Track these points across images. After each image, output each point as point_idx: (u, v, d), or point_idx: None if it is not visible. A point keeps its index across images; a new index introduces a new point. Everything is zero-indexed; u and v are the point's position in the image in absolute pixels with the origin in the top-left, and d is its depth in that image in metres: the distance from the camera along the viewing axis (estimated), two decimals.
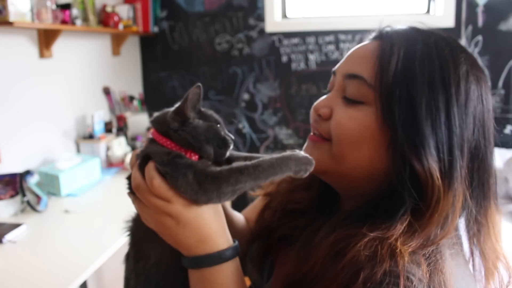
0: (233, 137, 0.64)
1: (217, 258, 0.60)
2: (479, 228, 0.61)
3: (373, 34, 0.67)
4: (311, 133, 0.68)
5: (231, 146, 0.64)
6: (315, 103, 0.67)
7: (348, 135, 0.61)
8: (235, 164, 0.59)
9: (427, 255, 0.55)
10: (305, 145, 0.69)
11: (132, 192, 0.63)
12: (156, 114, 0.69)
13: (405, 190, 0.57)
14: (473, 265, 0.62)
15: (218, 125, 0.64)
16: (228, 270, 0.61)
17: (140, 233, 0.67)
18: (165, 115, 0.64)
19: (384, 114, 0.59)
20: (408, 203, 0.56)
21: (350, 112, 0.62)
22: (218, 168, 0.59)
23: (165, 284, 0.65)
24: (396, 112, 0.58)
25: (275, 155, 0.60)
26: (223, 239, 0.62)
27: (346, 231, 0.58)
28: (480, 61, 0.63)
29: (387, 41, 0.62)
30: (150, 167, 0.59)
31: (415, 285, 0.51)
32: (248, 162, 0.59)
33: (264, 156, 0.61)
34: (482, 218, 0.61)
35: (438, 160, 0.56)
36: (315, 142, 0.66)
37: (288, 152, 0.60)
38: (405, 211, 0.56)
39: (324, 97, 0.68)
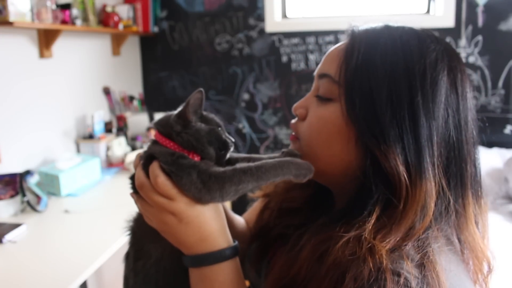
0: (233, 140, 0.66)
1: (217, 257, 0.61)
2: (456, 216, 0.60)
3: (345, 35, 0.68)
4: (292, 134, 0.71)
5: (232, 149, 0.66)
6: (294, 104, 0.71)
7: (316, 133, 0.64)
8: (239, 165, 0.61)
9: (416, 248, 0.54)
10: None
11: (136, 192, 0.65)
12: (158, 117, 0.70)
13: (373, 184, 0.57)
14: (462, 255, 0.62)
15: (219, 128, 0.66)
16: (228, 269, 0.61)
17: (141, 232, 0.68)
18: (168, 118, 0.66)
19: (347, 109, 0.59)
20: (377, 197, 0.56)
21: (319, 111, 0.65)
22: (221, 169, 0.60)
23: (165, 283, 0.66)
24: (357, 105, 0.58)
25: (277, 158, 0.62)
26: (223, 238, 0.63)
27: (326, 233, 0.58)
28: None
29: (352, 39, 0.64)
30: (155, 165, 0.61)
31: (406, 278, 0.50)
32: (251, 164, 0.61)
33: (265, 158, 0.64)
34: (460, 207, 0.60)
35: (403, 152, 0.56)
36: (292, 142, 0.70)
37: (289, 158, 0.63)
38: (374, 205, 0.56)
39: (302, 98, 0.71)
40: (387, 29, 0.63)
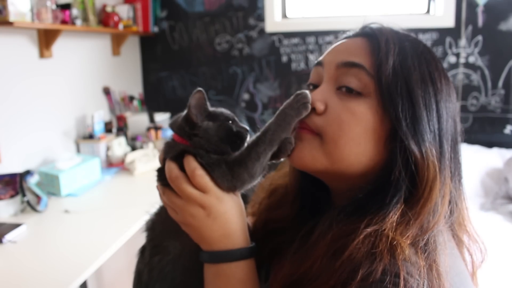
0: (247, 128, 0.66)
1: (237, 255, 0.62)
2: (456, 211, 0.63)
3: (353, 32, 0.69)
4: (299, 127, 0.64)
5: (248, 136, 0.65)
6: (308, 95, 0.64)
7: (349, 131, 0.60)
8: (249, 142, 0.63)
9: (423, 247, 0.55)
10: (293, 140, 0.64)
11: (163, 184, 0.65)
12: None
13: (401, 179, 0.58)
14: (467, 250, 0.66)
15: (230, 122, 0.65)
16: (247, 268, 0.63)
17: (162, 227, 0.69)
18: (179, 120, 0.67)
19: (385, 106, 0.59)
20: (402, 192, 0.57)
21: (349, 106, 0.60)
22: (237, 153, 0.63)
23: (181, 281, 0.66)
24: (400, 104, 0.59)
25: (274, 117, 0.64)
26: (244, 238, 0.64)
27: (342, 228, 0.58)
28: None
29: (379, 36, 0.63)
30: (190, 158, 0.62)
31: (416, 280, 0.51)
32: (257, 133, 0.63)
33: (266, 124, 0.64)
34: (458, 202, 0.64)
35: (432, 149, 0.59)
36: (306, 135, 0.63)
37: (282, 106, 0.63)
38: (398, 200, 0.57)
39: (317, 89, 0.65)
40: (400, 32, 0.66)
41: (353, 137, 0.60)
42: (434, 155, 0.58)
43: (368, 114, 0.60)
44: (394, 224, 0.55)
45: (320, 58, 0.69)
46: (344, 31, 0.71)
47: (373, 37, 0.63)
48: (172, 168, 0.63)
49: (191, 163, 0.61)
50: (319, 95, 0.63)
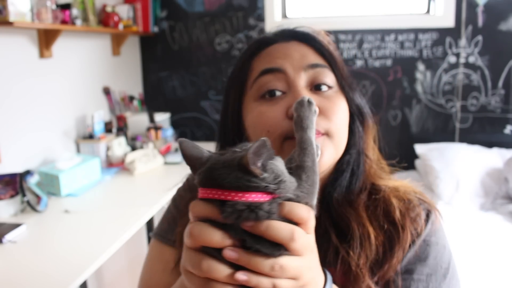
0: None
1: None
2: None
3: (278, 38, 0.72)
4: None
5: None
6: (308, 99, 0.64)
7: (344, 121, 0.68)
8: (295, 157, 0.53)
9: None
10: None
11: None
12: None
13: (362, 133, 0.73)
14: None
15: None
16: None
17: None
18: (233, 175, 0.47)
19: (349, 95, 0.70)
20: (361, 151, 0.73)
21: (333, 101, 0.67)
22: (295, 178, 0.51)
23: None
24: (349, 90, 0.70)
25: (301, 126, 0.56)
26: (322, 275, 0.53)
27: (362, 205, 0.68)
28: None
29: (314, 38, 0.72)
30: (304, 207, 0.47)
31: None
32: (298, 148, 0.54)
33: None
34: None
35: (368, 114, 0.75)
36: (320, 139, 0.63)
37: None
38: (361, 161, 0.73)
39: (301, 92, 0.64)
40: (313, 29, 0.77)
41: (345, 125, 0.68)
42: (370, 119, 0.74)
43: (344, 104, 0.68)
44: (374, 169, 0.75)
45: (272, 66, 0.66)
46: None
47: (310, 41, 0.71)
48: (282, 227, 0.44)
49: (305, 211, 0.46)
50: (309, 95, 0.65)
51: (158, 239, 0.81)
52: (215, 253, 0.44)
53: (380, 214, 0.68)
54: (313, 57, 0.68)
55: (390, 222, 0.67)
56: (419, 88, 3.10)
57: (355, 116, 0.71)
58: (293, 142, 0.58)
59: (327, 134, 0.65)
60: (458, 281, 0.68)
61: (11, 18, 1.80)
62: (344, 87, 0.69)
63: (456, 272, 0.69)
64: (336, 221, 0.67)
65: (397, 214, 0.67)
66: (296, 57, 0.67)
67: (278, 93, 0.65)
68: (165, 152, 2.75)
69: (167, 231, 0.80)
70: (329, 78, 0.68)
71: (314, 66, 0.67)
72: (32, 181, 1.92)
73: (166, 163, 2.63)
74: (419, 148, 2.96)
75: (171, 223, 0.80)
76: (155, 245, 0.81)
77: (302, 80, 0.66)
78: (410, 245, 0.65)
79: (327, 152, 0.64)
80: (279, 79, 0.66)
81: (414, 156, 3.02)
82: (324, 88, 0.67)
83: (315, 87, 0.67)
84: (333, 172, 0.70)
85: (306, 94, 0.63)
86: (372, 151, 0.75)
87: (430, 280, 0.65)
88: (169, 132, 2.96)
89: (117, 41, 2.95)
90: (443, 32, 2.98)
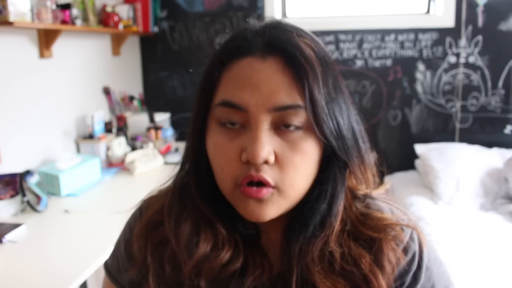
0: None
1: None
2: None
3: (254, 47, 0.60)
4: (247, 186, 0.59)
5: None
6: (255, 151, 0.57)
7: (302, 170, 0.60)
8: None
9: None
10: (242, 202, 0.60)
11: None
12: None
13: (339, 179, 0.64)
14: None
15: None
16: None
17: None
18: None
19: (320, 134, 0.59)
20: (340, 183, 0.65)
21: (297, 147, 0.59)
22: None
23: None
24: (331, 130, 0.60)
25: None
26: None
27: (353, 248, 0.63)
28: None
29: (292, 57, 0.59)
30: None
31: None
32: None
33: None
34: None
35: (357, 156, 0.66)
36: (265, 194, 0.59)
37: None
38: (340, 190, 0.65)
39: (259, 140, 0.58)
40: (299, 38, 0.62)
41: (305, 172, 0.60)
42: (356, 153, 0.64)
43: (313, 147, 0.60)
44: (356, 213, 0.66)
45: (235, 101, 0.59)
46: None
47: (291, 60, 0.59)
48: None
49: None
50: (265, 146, 0.57)
51: (109, 277, 0.76)
52: None
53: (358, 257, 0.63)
54: (285, 94, 0.58)
55: (368, 247, 0.63)
56: (419, 88, 3.10)
57: (332, 161, 0.63)
58: (242, 191, 0.58)
59: (277, 187, 0.59)
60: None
61: (11, 18, 1.80)
62: (318, 129, 0.59)
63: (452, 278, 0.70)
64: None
65: (374, 235, 0.64)
66: (264, 92, 0.58)
67: (237, 125, 0.60)
68: (165, 152, 2.75)
69: (116, 270, 0.75)
70: (299, 117, 0.58)
71: (282, 109, 0.58)
72: (32, 181, 1.92)
73: (166, 163, 2.63)
74: (419, 148, 2.96)
75: (119, 262, 0.75)
76: (107, 282, 0.77)
77: (265, 122, 0.58)
78: (396, 264, 0.63)
79: (273, 206, 0.60)
80: (239, 115, 0.59)
81: (414, 156, 3.02)
82: (291, 128, 0.59)
83: (283, 125, 0.59)
84: (295, 218, 0.64)
85: (266, 140, 0.57)
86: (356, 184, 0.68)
87: None
88: (169, 132, 2.96)
89: (117, 41, 2.95)
90: (443, 32, 2.98)
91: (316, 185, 0.63)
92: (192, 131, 0.65)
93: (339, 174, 0.63)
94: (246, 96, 0.58)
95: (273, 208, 0.59)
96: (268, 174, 0.58)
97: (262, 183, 0.58)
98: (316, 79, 0.58)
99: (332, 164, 0.63)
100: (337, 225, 0.62)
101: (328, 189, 0.63)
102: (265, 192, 0.58)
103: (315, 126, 0.58)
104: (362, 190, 0.68)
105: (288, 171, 0.58)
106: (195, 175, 0.67)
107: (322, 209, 0.63)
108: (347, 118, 0.62)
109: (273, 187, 0.58)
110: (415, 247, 0.64)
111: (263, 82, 0.58)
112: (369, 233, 0.63)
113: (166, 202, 0.70)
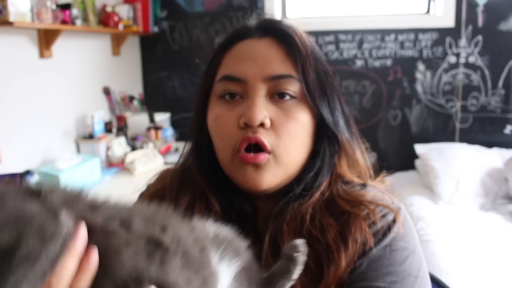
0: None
1: None
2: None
3: (255, 31, 0.69)
4: (245, 152, 0.63)
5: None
6: (251, 113, 0.62)
7: (296, 138, 0.64)
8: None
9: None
10: (241, 169, 0.63)
11: None
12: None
13: (328, 153, 0.68)
14: None
15: None
16: None
17: None
18: None
19: (312, 105, 0.65)
20: (329, 158, 0.69)
21: (292, 114, 0.64)
22: None
23: None
24: (322, 102, 0.66)
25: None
26: None
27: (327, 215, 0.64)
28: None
29: (290, 37, 0.66)
30: None
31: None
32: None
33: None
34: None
35: (345, 129, 0.71)
36: (263, 160, 0.62)
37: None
38: (329, 171, 0.68)
39: (255, 105, 0.63)
40: (295, 26, 0.71)
41: (299, 141, 0.65)
42: (346, 133, 0.69)
43: (306, 117, 0.65)
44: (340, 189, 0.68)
45: (234, 74, 0.65)
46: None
47: (284, 39, 0.66)
48: None
49: None
50: (261, 110, 0.63)
51: None
52: None
53: (325, 220, 0.64)
54: (279, 64, 0.64)
55: (338, 220, 0.64)
56: (419, 88, 3.10)
57: (323, 135, 0.67)
58: (241, 157, 0.62)
59: (273, 152, 0.63)
60: None
61: (11, 18, 1.80)
62: (311, 98, 0.64)
63: (427, 279, 0.65)
64: (274, 233, 0.64)
65: (345, 207, 0.65)
66: (260, 63, 0.64)
67: (237, 97, 0.66)
68: (165, 152, 2.75)
69: None
70: (292, 86, 0.64)
71: (276, 78, 0.64)
72: (32, 181, 1.92)
73: (166, 163, 2.63)
74: (419, 148, 2.96)
75: None
76: None
77: (261, 91, 0.64)
78: (361, 245, 0.62)
79: (270, 173, 0.63)
80: (238, 86, 0.65)
81: (414, 156, 3.02)
82: (286, 97, 0.64)
83: (277, 94, 0.65)
84: (284, 190, 0.67)
85: (263, 105, 0.63)
86: (349, 173, 0.70)
87: (395, 286, 0.60)
88: (169, 132, 2.96)
89: (117, 41, 2.95)
90: (443, 32, 2.98)
91: (309, 161, 0.67)
92: (195, 112, 0.72)
93: (328, 148, 0.67)
94: (244, 68, 0.65)
95: (270, 174, 0.63)
96: (264, 137, 0.62)
97: (259, 148, 0.62)
98: (307, 56, 0.65)
99: (323, 137, 0.67)
100: (317, 195, 0.65)
101: (317, 161, 0.67)
102: (262, 157, 0.62)
103: (307, 94, 0.64)
104: (356, 180, 0.71)
105: (283, 136, 0.63)
106: (196, 153, 0.72)
107: (307, 178, 0.66)
108: (337, 100, 0.69)
109: (269, 153, 0.63)
110: (384, 225, 0.64)
111: (259, 55, 0.65)
112: (342, 205, 0.65)
113: (168, 180, 0.74)
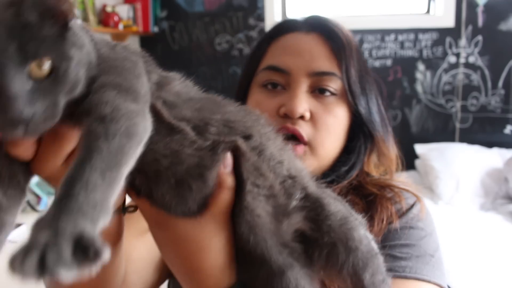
0: None
1: None
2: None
3: (303, 25, 0.73)
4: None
5: None
6: (293, 105, 0.65)
7: (333, 132, 0.68)
8: None
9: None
10: None
11: None
12: None
13: (363, 149, 0.72)
14: None
15: None
16: None
17: None
18: None
19: (351, 102, 0.69)
20: (364, 150, 0.73)
21: (331, 110, 0.67)
22: None
23: None
24: (361, 100, 0.69)
25: None
26: None
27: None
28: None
29: (336, 36, 0.70)
30: None
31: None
32: None
33: None
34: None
35: (380, 127, 0.75)
36: (300, 151, 0.66)
37: None
38: (364, 155, 0.73)
39: (297, 97, 0.66)
40: (341, 25, 0.75)
41: (335, 136, 0.68)
42: (381, 131, 0.73)
43: (344, 113, 0.69)
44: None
45: (279, 65, 0.68)
46: (290, 19, 0.76)
47: (331, 36, 0.69)
48: None
49: None
50: (303, 103, 0.66)
51: None
52: None
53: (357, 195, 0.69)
54: (324, 61, 0.68)
55: (365, 199, 0.68)
56: (419, 88, 3.10)
57: (359, 131, 0.71)
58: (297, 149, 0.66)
59: (309, 144, 0.66)
60: (443, 275, 0.65)
61: None
62: (351, 97, 0.68)
63: (442, 265, 0.67)
64: None
65: (373, 190, 0.69)
66: (306, 58, 0.67)
67: (279, 87, 0.69)
68: None
69: None
70: (334, 84, 0.68)
71: (320, 74, 0.67)
72: (32, 181, 1.92)
73: None
74: (419, 148, 2.95)
75: None
76: None
77: (304, 84, 0.67)
78: (386, 223, 0.65)
79: (304, 163, 0.62)
80: (282, 77, 0.68)
81: (414, 156, 3.02)
82: (327, 93, 0.68)
83: (318, 90, 0.68)
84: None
85: (304, 98, 0.66)
86: (375, 170, 0.75)
87: (410, 260, 0.63)
88: None
89: (117, 41, 2.95)
90: (443, 32, 2.98)
91: (342, 156, 0.71)
92: (236, 96, 0.76)
93: (363, 145, 0.71)
94: (289, 60, 0.68)
95: (307, 164, 0.64)
96: (302, 129, 0.65)
97: (296, 139, 0.66)
98: (351, 55, 0.69)
99: (359, 134, 0.71)
100: (345, 183, 0.69)
101: (352, 157, 0.70)
102: (299, 150, 0.65)
103: (348, 93, 0.68)
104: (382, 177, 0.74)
105: (321, 129, 0.66)
106: None
107: (340, 171, 0.70)
108: (376, 99, 0.72)
109: (305, 144, 0.66)
110: (406, 206, 0.69)
111: (305, 50, 0.68)
112: (369, 188, 0.69)
113: None
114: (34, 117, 0.35)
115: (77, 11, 2.34)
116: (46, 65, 0.35)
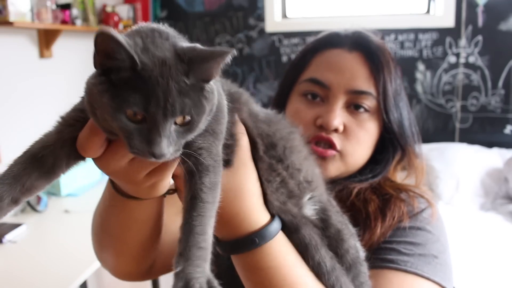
0: None
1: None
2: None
3: (347, 42, 0.77)
4: (318, 146, 0.73)
5: None
6: (330, 118, 0.72)
7: (363, 144, 0.74)
8: None
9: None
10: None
11: None
12: None
13: (390, 156, 0.78)
14: None
15: None
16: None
17: None
18: None
19: (383, 118, 0.75)
20: (392, 156, 0.79)
21: (363, 124, 0.74)
22: None
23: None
24: (394, 116, 0.75)
25: None
26: None
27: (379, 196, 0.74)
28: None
29: (377, 58, 0.75)
30: None
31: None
32: None
33: None
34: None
35: (411, 141, 0.82)
36: (330, 155, 0.73)
37: None
38: (391, 161, 0.79)
39: (334, 112, 0.73)
40: (384, 44, 0.81)
41: (365, 148, 0.75)
42: (412, 143, 0.79)
43: (375, 128, 0.75)
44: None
45: (322, 79, 0.74)
46: (336, 34, 0.80)
47: (372, 57, 0.75)
48: None
49: None
50: (338, 117, 0.73)
51: None
52: None
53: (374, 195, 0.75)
54: (363, 81, 0.73)
55: (382, 197, 0.74)
56: (419, 88, 3.10)
57: (388, 144, 0.77)
58: (311, 149, 0.69)
59: (340, 152, 0.73)
60: (446, 278, 0.68)
61: (11, 18, 1.80)
62: (385, 115, 0.74)
63: (447, 268, 0.70)
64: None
65: (390, 191, 0.75)
66: (346, 76, 0.73)
67: (318, 98, 0.75)
68: None
69: None
70: (369, 102, 0.74)
71: (358, 92, 0.73)
72: None
73: None
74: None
75: None
76: None
77: (341, 101, 0.74)
78: (397, 221, 0.70)
79: (333, 167, 0.73)
80: (323, 90, 0.75)
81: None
82: (361, 109, 0.74)
83: (354, 106, 0.74)
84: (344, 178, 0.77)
85: (340, 113, 0.73)
86: (396, 178, 0.80)
87: (413, 256, 0.67)
88: None
89: None
90: (443, 32, 2.98)
91: (368, 164, 0.77)
92: (275, 101, 0.81)
93: (391, 157, 0.78)
94: (331, 76, 0.74)
95: (333, 168, 0.73)
96: (335, 139, 0.72)
97: (329, 145, 0.73)
98: (389, 76, 0.75)
99: (388, 149, 0.77)
100: (366, 184, 0.75)
101: (379, 168, 0.77)
102: (330, 153, 0.73)
103: (384, 112, 0.74)
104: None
105: (352, 141, 0.73)
106: None
107: (364, 179, 0.75)
108: (407, 113, 0.78)
109: (337, 151, 0.73)
110: (418, 210, 0.73)
111: (347, 68, 0.74)
112: (387, 189, 0.75)
113: None
114: (169, 155, 0.43)
115: (77, 11, 2.34)
116: (188, 118, 0.43)
